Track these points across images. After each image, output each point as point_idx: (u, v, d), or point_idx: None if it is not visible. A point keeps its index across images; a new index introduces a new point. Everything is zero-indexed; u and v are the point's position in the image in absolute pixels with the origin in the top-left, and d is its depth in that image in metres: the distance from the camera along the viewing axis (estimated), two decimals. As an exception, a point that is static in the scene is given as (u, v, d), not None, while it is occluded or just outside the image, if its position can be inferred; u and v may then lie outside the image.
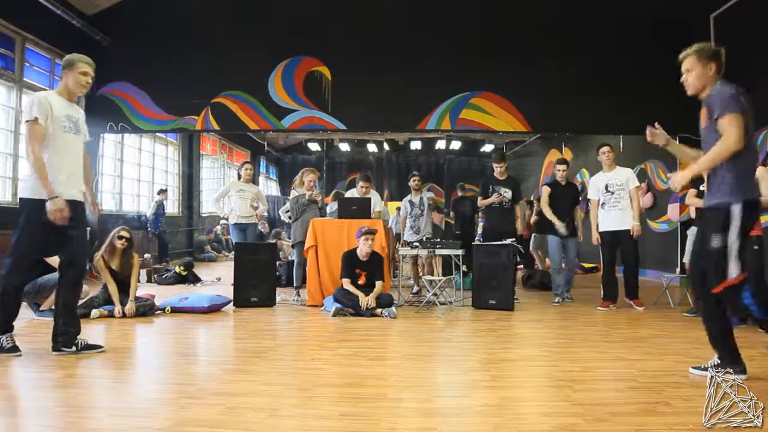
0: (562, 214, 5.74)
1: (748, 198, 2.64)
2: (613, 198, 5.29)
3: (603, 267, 5.50)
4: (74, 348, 3.28)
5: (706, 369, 2.74)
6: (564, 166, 5.99)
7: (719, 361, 2.79)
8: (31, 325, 4.35)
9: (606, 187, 5.35)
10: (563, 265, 5.89)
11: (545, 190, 5.99)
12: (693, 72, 2.77)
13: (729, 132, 2.57)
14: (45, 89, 7.52)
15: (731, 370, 2.54)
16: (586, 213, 6.23)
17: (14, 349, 3.21)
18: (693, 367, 2.94)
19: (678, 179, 2.81)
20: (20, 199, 3.28)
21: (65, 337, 3.28)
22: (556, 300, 5.74)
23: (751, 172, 2.76)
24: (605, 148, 5.47)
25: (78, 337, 3.33)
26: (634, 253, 5.27)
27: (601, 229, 5.37)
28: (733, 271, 2.61)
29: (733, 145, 2.56)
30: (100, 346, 3.40)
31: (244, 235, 6.56)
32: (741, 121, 2.58)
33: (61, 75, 3.39)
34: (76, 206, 3.29)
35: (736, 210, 2.62)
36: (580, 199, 6.09)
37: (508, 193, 5.88)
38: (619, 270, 5.58)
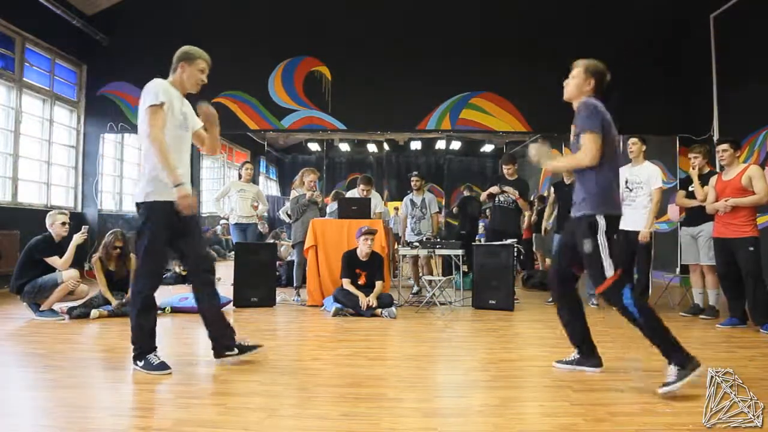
0: (567, 213, 5.70)
1: (610, 212, 2.81)
2: (630, 195, 5.03)
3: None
4: (236, 351, 3.11)
5: (569, 363, 3.05)
6: None
7: (578, 356, 3.05)
8: (31, 325, 4.35)
9: (626, 182, 5.09)
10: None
11: (552, 191, 5.98)
12: (574, 80, 2.97)
13: (585, 148, 2.75)
14: (45, 89, 7.53)
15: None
16: None
17: (163, 366, 2.94)
18: (557, 361, 3.13)
19: (547, 165, 3.16)
20: (142, 203, 2.96)
21: (223, 341, 3.12)
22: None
23: (612, 187, 2.87)
24: (632, 140, 5.15)
25: (236, 339, 3.16)
26: (644, 257, 5.04)
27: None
28: (609, 269, 2.75)
29: (585, 160, 2.75)
30: (259, 345, 3.23)
31: (244, 235, 6.55)
32: (598, 140, 2.74)
33: (176, 67, 3.10)
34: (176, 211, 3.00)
35: (601, 221, 2.79)
36: None
37: (515, 194, 5.87)
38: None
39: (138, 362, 2.97)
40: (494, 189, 5.88)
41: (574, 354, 3.09)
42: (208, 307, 3.13)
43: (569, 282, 3.08)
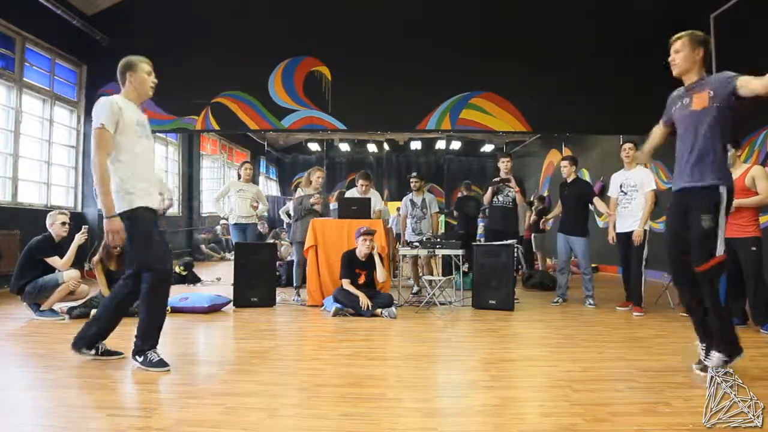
0: (569, 212, 5.72)
1: (729, 184, 2.80)
2: (625, 199, 5.20)
3: (621, 269, 5.44)
4: (94, 351, 3.16)
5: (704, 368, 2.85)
6: (566, 162, 5.89)
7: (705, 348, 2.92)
8: (31, 325, 4.35)
9: (621, 186, 5.26)
10: (574, 267, 5.80)
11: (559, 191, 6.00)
12: (681, 53, 2.92)
13: (756, 79, 2.60)
14: (45, 89, 7.53)
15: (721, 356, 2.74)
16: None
17: (162, 363, 3.00)
18: (699, 369, 2.94)
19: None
20: (123, 213, 2.97)
21: (98, 340, 3.17)
22: (556, 300, 5.73)
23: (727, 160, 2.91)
24: (627, 145, 5.27)
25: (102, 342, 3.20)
26: (636, 258, 5.08)
27: (617, 231, 5.28)
28: (720, 248, 2.72)
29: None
30: (119, 353, 3.25)
31: (244, 235, 6.55)
32: None
33: (123, 80, 3.14)
34: (155, 214, 3.16)
35: (724, 192, 2.75)
36: (589, 196, 5.76)
37: (511, 192, 5.87)
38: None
39: (138, 358, 3.00)
40: (496, 179, 5.91)
41: (703, 352, 2.93)
42: (117, 305, 3.15)
43: (693, 276, 2.86)
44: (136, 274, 3.11)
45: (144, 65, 3.16)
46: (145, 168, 3.08)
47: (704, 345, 2.94)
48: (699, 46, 2.90)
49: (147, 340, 3.04)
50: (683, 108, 2.95)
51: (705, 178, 2.81)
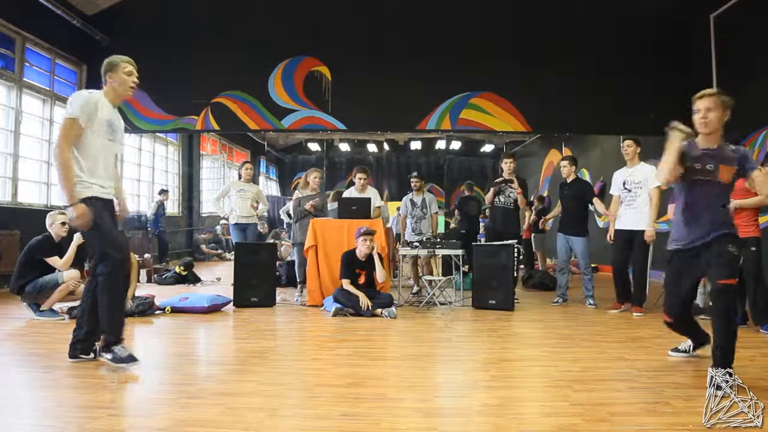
0: (568, 212, 5.71)
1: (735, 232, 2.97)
2: (630, 196, 5.12)
3: (612, 267, 5.34)
4: (92, 355, 3.17)
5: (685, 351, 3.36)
6: (566, 162, 5.87)
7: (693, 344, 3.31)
8: (31, 325, 4.35)
9: (624, 183, 5.19)
10: (574, 267, 5.78)
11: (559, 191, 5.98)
12: (714, 113, 2.84)
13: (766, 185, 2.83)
14: (45, 89, 7.53)
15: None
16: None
17: (131, 357, 3.01)
18: (672, 350, 3.40)
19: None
20: (84, 199, 3.00)
21: (84, 345, 3.16)
22: (556, 300, 5.73)
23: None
24: (626, 142, 5.23)
25: (96, 344, 3.20)
26: (642, 257, 5.04)
27: (616, 227, 5.23)
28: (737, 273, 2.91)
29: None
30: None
31: (244, 235, 6.55)
32: None
33: (105, 80, 3.17)
34: (110, 205, 3.18)
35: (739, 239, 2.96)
36: (591, 196, 5.75)
37: (513, 193, 5.87)
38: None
39: (105, 354, 3.01)
40: (499, 179, 5.91)
41: (688, 343, 3.34)
42: (91, 304, 3.15)
43: (689, 304, 3.19)
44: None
45: (124, 65, 3.18)
46: (103, 168, 3.11)
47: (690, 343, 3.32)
48: (728, 109, 2.86)
49: (112, 335, 3.03)
50: (705, 173, 2.88)
51: (724, 228, 2.88)
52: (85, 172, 3.02)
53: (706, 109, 2.83)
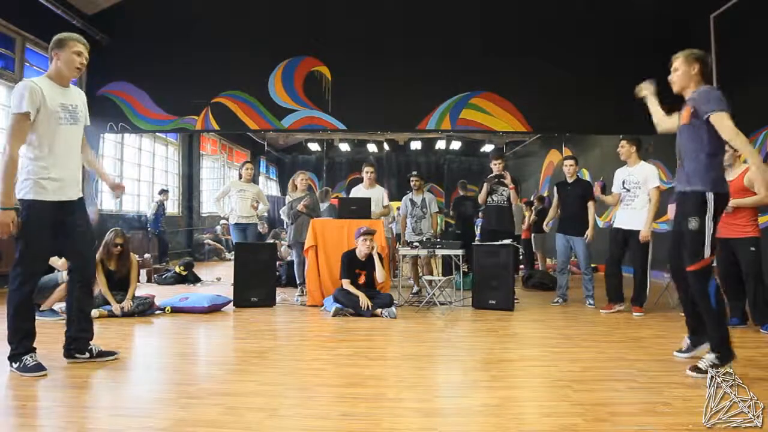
0: (569, 212, 5.70)
1: (719, 191, 2.93)
2: (628, 196, 5.11)
3: (606, 266, 5.36)
4: (87, 354, 3.16)
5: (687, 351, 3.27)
6: (572, 162, 5.85)
7: (691, 340, 3.25)
8: (31, 325, 4.34)
9: (623, 183, 5.18)
10: (574, 267, 5.76)
11: (555, 191, 5.96)
12: (678, 71, 3.07)
13: (727, 127, 2.80)
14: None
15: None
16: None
17: (39, 367, 2.90)
18: (677, 351, 3.34)
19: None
20: (27, 200, 2.93)
21: (78, 343, 3.16)
22: (556, 300, 5.73)
23: (722, 165, 3.18)
24: (621, 142, 5.22)
25: (91, 343, 3.21)
26: (642, 257, 5.02)
27: (614, 226, 5.23)
28: (707, 250, 2.89)
29: (738, 134, 2.78)
30: (114, 353, 3.26)
31: (244, 235, 6.55)
32: (730, 118, 2.84)
33: (50, 57, 2.96)
34: (72, 206, 3.05)
35: (710, 197, 2.91)
36: (591, 195, 5.70)
37: (505, 191, 5.87)
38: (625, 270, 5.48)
39: (13, 364, 2.92)
40: (491, 176, 5.92)
41: (686, 341, 3.30)
42: (77, 306, 3.14)
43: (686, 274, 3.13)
44: (76, 267, 3.14)
45: (74, 43, 2.96)
46: (65, 159, 2.98)
47: (689, 340, 3.26)
48: (695, 62, 3.02)
49: (20, 343, 2.91)
50: (678, 119, 3.10)
51: (693, 184, 2.97)
52: (47, 169, 2.90)
53: (673, 69, 3.09)
